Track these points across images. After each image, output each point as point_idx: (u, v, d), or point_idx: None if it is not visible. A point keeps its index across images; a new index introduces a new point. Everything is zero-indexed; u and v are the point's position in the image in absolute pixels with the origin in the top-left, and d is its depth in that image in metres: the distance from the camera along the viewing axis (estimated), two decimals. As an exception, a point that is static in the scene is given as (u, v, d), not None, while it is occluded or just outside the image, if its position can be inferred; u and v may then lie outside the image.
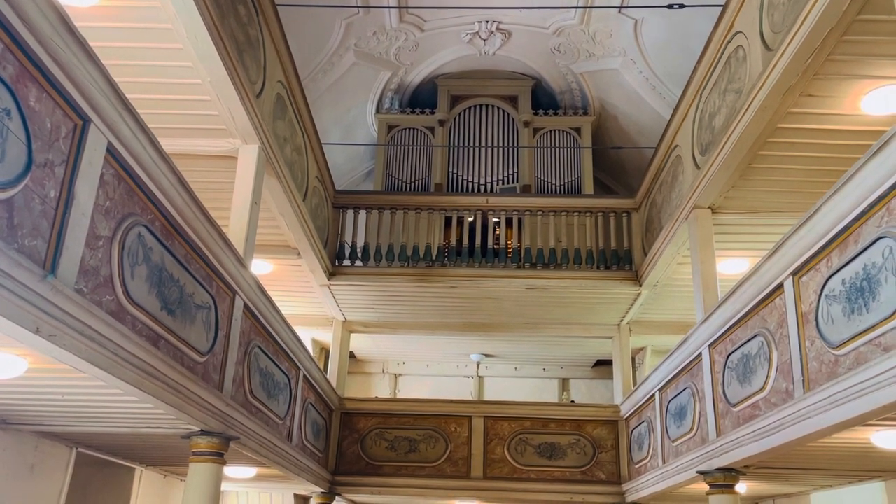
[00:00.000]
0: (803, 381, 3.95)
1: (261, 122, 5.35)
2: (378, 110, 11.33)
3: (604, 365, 11.42)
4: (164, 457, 6.35)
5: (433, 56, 10.77)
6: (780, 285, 4.25)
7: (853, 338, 3.44)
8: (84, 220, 2.84)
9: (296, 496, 9.79)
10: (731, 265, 7.13)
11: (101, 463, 6.16)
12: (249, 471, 6.64)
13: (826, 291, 3.72)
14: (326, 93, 10.29)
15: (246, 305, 4.98)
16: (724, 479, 5.32)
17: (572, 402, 11.32)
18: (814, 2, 3.93)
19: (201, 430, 4.48)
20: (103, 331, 2.97)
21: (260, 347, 5.44)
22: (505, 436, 8.67)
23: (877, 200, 3.26)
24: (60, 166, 2.69)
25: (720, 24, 5.60)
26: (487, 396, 11.68)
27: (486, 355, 11.41)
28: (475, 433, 8.67)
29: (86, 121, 2.83)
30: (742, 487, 6.67)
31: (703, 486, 5.61)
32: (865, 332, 3.33)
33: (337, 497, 8.77)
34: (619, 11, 9.18)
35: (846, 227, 3.52)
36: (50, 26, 2.55)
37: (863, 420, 3.52)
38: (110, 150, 3.03)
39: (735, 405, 4.97)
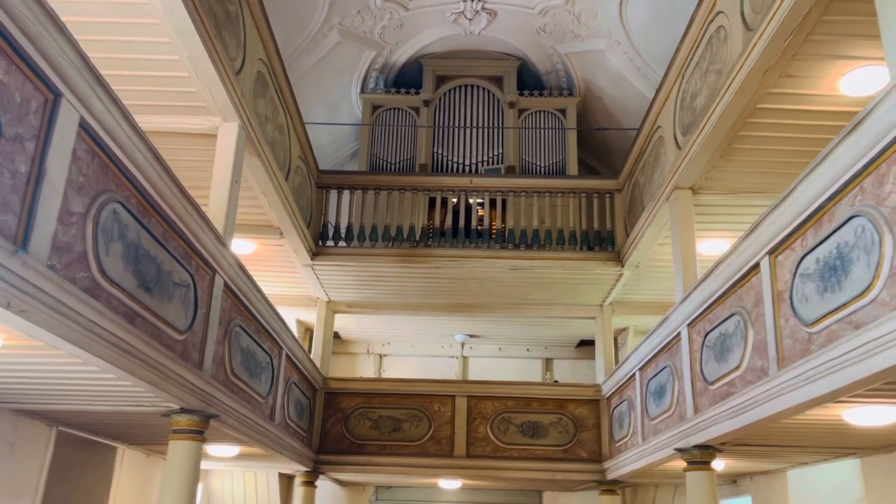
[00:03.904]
0: (777, 358, 4.00)
1: (241, 100, 5.31)
2: (362, 90, 11.26)
3: (587, 345, 11.50)
4: (146, 435, 6.36)
5: (418, 35, 10.69)
6: (757, 265, 4.29)
7: (826, 315, 3.48)
8: (56, 196, 2.82)
9: (280, 475, 9.85)
10: (711, 246, 7.18)
11: (82, 442, 6.16)
12: (232, 449, 6.67)
13: (801, 270, 3.76)
14: (310, 72, 10.21)
15: (226, 284, 4.97)
16: (700, 456, 5.40)
17: (555, 381, 11.41)
18: (792, -20, 3.94)
19: (181, 408, 4.49)
20: (77, 307, 2.96)
21: (241, 327, 5.44)
22: (488, 415, 8.73)
23: (850, 179, 3.30)
24: (31, 141, 2.67)
25: (702, 3, 5.59)
26: (471, 376, 11.74)
27: (471, 336, 11.46)
28: (458, 412, 8.73)
29: (57, 95, 2.80)
30: (720, 465, 6.77)
31: (680, 464, 5.69)
32: (838, 309, 3.37)
33: (321, 475, 8.83)
34: (605, -9, 9.15)
35: (821, 207, 3.55)
36: (18, -2, 2.51)
37: (834, 396, 3.58)
38: (83, 125, 3.00)
39: (712, 383, 5.03)
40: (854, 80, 4.65)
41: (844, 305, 3.32)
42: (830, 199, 3.47)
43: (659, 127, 7.02)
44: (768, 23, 4.29)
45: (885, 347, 2.99)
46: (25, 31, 2.57)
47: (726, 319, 4.83)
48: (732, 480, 8.83)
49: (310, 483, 8.64)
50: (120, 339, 3.36)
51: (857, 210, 3.26)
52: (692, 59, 5.97)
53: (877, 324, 3.03)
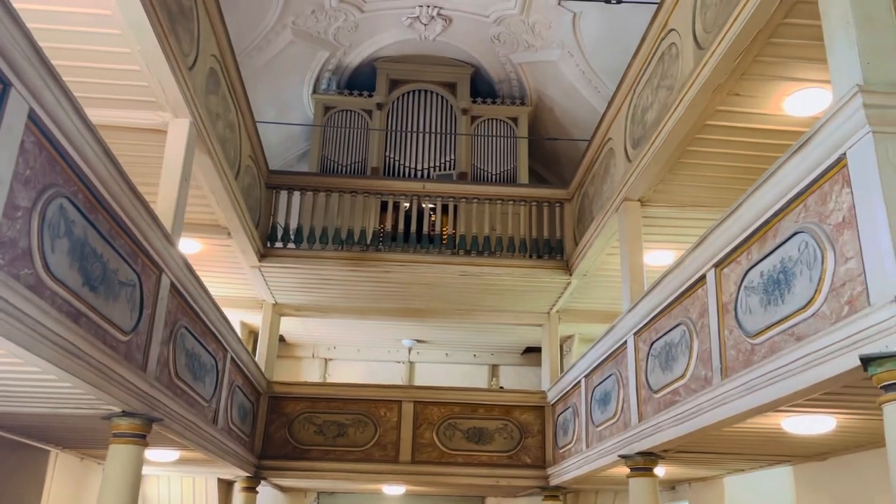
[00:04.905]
0: (721, 368, 4.12)
1: (193, 96, 5.20)
2: (315, 91, 11.15)
3: (533, 352, 11.62)
4: (83, 439, 6.13)
5: (373, 38, 10.66)
6: (703, 277, 4.41)
7: (769, 327, 3.61)
8: (2, 189, 2.71)
9: (220, 480, 9.63)
10: (658, 257, 7.34)
11: (12, 444, 5.91)
12: (173, 454, 6.49)
13: (745, 283, 3.89)
14: (262, 70, 10.06)
15: (173, 284, 4.85)
16: (643, 462, 5.51)
17: (501, 388, 11.49)
18: (744, 3, 4.07)
19: (123, 412, 4.36)
20: (21, 305, 2.84)
21: (187, 328, 5.31)
22: (434, 420, 8.73)
23: (795, 197, 3.43)
24: (-23, 131, 2.56)
25: (655, 20, 5.73)
26: (418, 382, 11.71)
27: (418, 341, 11.43)
28: (405, 418, 8.70)
29: (6, 85, 2.70)
30: (661, 471, 6.91)
31: (623, 470, 5.79)
32: (780, 322, 3.50)
33: (262, 481, 8.68)
34: (559, 3, 9.28)
35: (766, 222, 3.68)
36: (-32, -18, 2.41)
37: (775, 406, 3.70)
38: (32, 117, 2.89)
39: (657, 391, 5.14)
40: (797, 101, 4.83)
41: (787, 318, 3.45)
42: (776, 215, 3.60)
43: (610, 139, 7.15)
44: (719, 43, 4.43)
45: (825, 359, 3.11)
46: (-25, 17, 2.47)
47: (672, 329, 4.95)
48: (671, 486, 9.03)
49: (251, 489, 8.47)
50: (64, 339, 3.24)
51: (801, 226, 3.39)
52: (644, 74, 6.11)
53: (818, 336, 3.16)
